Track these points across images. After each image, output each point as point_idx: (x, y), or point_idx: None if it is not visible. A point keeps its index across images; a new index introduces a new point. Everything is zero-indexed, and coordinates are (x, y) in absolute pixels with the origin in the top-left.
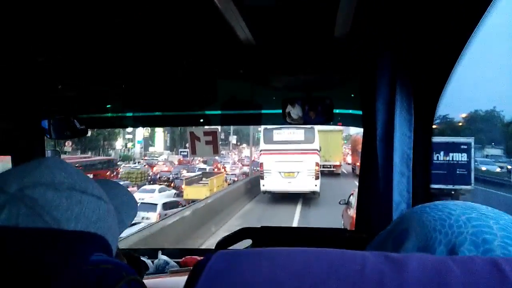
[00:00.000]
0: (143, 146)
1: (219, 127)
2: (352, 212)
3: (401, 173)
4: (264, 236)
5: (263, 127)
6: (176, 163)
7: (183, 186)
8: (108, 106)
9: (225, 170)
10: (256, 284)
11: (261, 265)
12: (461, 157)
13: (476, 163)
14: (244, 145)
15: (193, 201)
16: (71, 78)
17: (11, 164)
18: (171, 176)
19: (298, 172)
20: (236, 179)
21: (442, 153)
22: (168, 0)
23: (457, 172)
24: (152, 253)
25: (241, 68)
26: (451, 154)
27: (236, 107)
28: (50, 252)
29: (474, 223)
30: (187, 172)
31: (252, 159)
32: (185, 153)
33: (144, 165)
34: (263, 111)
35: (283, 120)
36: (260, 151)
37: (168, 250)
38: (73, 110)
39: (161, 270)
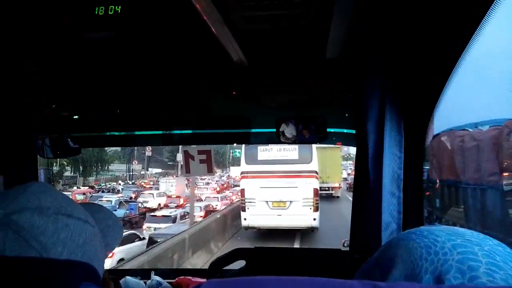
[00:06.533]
0: None
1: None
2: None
3: (391, 193)
4: (258, 257)
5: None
6: None
7: None
8: (101, 125)
9: None
10: None
11: None
12: None
13: None
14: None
15: None
16: (64, 97)
17: (3, 184)
18: None
19: (290, 202)
20: None
21: None
22: (163, 22)
23: None
24: (145, 274)
25: (234, 88)
26: None
27: (229, 126)
28: (37, 283)
29: (459, 250)
30: None
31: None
32: None
33: None
34: (257, 130)
35: (277, 139)
36: (241, 173)
37: (161, 270)
38: (66, 128)
39: None
